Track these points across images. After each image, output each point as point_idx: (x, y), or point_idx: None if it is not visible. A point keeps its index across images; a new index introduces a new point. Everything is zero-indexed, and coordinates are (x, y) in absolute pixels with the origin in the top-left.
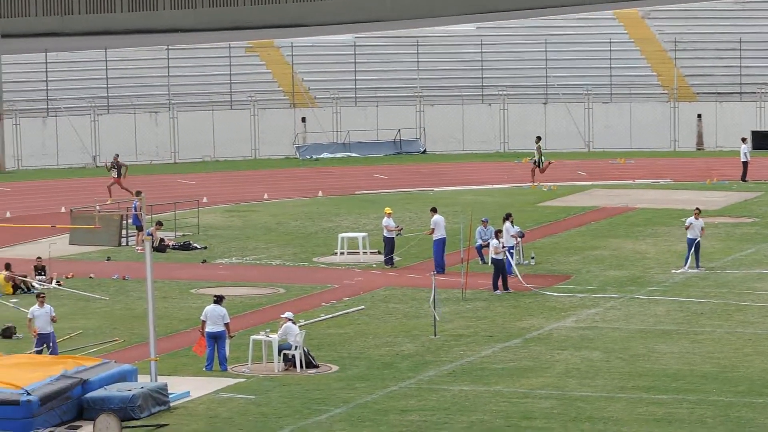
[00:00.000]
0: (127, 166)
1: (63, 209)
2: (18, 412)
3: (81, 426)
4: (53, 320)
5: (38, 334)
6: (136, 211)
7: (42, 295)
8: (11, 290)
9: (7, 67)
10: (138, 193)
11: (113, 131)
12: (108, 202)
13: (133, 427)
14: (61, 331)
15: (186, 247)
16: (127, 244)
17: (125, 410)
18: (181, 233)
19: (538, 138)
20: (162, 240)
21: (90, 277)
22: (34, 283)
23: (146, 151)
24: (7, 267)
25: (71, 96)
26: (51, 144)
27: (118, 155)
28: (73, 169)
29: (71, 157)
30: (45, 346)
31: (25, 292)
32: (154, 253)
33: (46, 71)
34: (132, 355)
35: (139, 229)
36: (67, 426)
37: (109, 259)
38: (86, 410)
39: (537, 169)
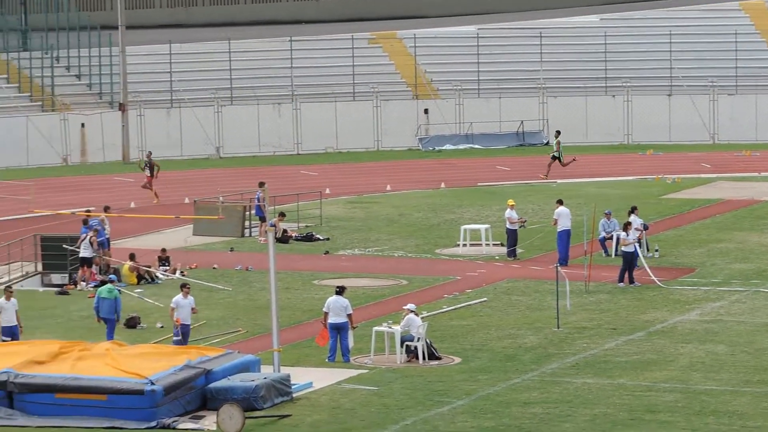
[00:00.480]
0: (159, 165)
1: (186, 200)
2: (142, 402)
3: (204, 416)
4: (193, 311)
5: (180, 324)
6: (259, 202)
7: (187, 286)
8: (135, 280)
9: (132, 58)
10: (261, 184)
11: (236, 123)
12: (155, 203)
13: (256, 417)
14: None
15: (309, 238)
16: (250, 235)
17: (248, 400)
18: (304, 224)
19: (558, 132)
20: (285, 231)
21: (213, 268)
22: (158, 274)
23: (269, 143)
24: (132, 257)
25: (195, 87)
26: (175, 135)
27: (151, 153)
28: (196, 160)
29: (195, 148)
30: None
31: (149, 283)
32: (276, 244)
33: (170, 63)
34: (255, 345)
35: (262, 220)
36: (190, 416)
37: (232, 249)
38: (210, 400)
39: (555, 163)
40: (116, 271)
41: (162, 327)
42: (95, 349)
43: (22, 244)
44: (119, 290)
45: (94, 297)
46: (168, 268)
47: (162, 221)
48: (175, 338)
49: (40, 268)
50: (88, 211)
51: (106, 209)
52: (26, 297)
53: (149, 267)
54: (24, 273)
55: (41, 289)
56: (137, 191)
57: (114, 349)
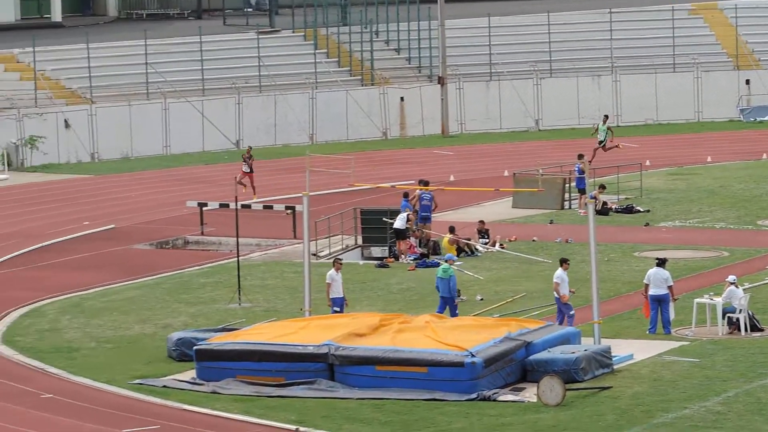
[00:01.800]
0: (252, 161)
1: (506, 173)
2: (463, 374)
3: (525, 388)
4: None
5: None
6: (579, 174)
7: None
8: (455, 253)
9: (451, 32)
10: (580, 157)
11: (555, 95)
12: (243, 192)
13: (576, 389)
14: (503, 294)
15: (629, 210)
16: (570, 207)
17: (569, 372)
18: (624, 196)
19: (606, 117)
20: (605, 203)
21: (533, 240)
22: (477, 246)
23: (588, 115)
24: (451, 230)
25: (514, 60)
26: (494, 108)
27: (251, 148)
28: (515, 132)
29: (514, 121)
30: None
31: (468, 255)
32: (596, 216)
33: (489, 36)
34: (575, 317)
35: (582, 192)
36: (511, 388)
37: (551, 222)
38: (530, 372)
39: (600, 149)
40: (436, 244)
41: (482, 300)
42: (415, 321)
43: (343, 217)
44: (455, 268)
45: (413, 270)
46: (488, 240)
47: (482, 194)
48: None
49: (360, 241)
50: (425, 183)
51: (424, 183)
52: (347, 270)
53: (469, 240)
54: (344, 246)
55: (361, 262)
56: (455, 164)
57: (434, 322)
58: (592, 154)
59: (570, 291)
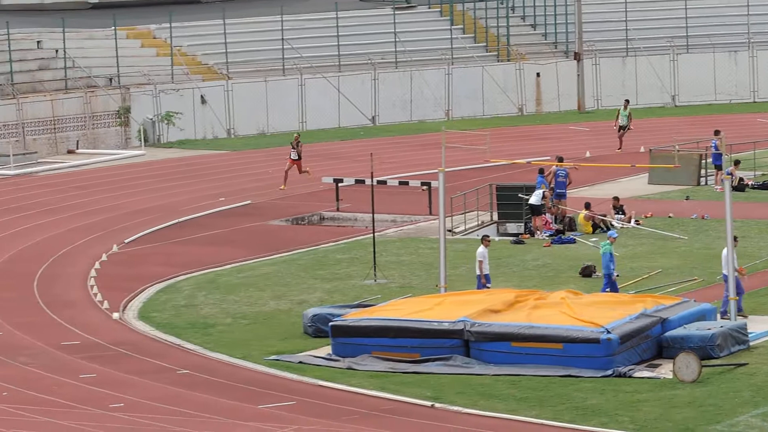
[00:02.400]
0: (301, 147)
1: (642, 149)
2: (598, 351)
3: (660, 364)
4: None
5: (485, 275)
6: (715, 150)
7: (488, 238)
8: (591, 229)
9: (587, 7)
10: (717, 132)
11: (691, 70)
12: (281, 188)
13: (712, 365)
14: (639, 270)
15: (765, 186)
16: (706, 183)
17: (704, 349)
18: (761, 172)
19: (627, 102)
20: (741, 179)
21: (669, 217)
22: (613, 222)
23: (725, 91)
24: (587, 206)
25: (650, 36)
26: (630, 84)
27: (299, 134)
28: (651, 108)
29: (650, 96)
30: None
31: (604, 232)
32: (733, 192)
33: (626, 11)
34: (711, 294)
35: (718, 168)
36: (646, 364)
37: (687, 198)
38: (665, 348)
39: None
40: (571, 221)
41: (617, 276)
42: (551, 298)
43: (478, 193)
44: (607, 245)
45: (549, 246)
46: (623, 216)
47: (617, 170)
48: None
49: (495, 217)
50: (561, 160)
51: (560, 159)
52: None
53: (605, 216)
54: (480, 222)
55: (497, 238)
56: (591, 140)
57: (569, 298)
58: (619, 142)
59: (737, 269)
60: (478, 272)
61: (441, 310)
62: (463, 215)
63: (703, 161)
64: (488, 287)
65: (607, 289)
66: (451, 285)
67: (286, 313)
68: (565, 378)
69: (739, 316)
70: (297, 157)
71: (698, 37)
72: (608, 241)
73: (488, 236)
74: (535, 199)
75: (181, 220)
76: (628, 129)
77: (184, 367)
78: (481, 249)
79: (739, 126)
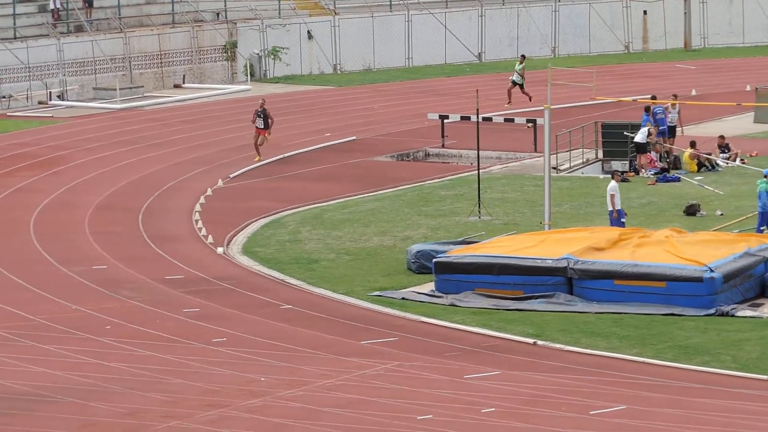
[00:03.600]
0: (272, 119)
1: (748, 87)
2: (701, 289)
3: (763, 303)
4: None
5: (617, 210)
6: None
7: (618, 172)
8: (696, 168)
9: None
10: None
11: None
12: (255, 160)
13: None
14: (743, 209)
15: None
16: None
17: None
18: None
19: (523, 57)
20: None
21: None
22: (718, 161)
23: None
24: (692, 145)
25: None
26: (737, 22)
27: (264, 100)
28: (759, 47)
29: (757, 35)
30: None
31: (709, 170)
32: None
33: None
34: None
35: None
36: (749, 303)
37: None
38: None
39: (516, 89)
40: (677, 159)
41: (722, 215)
42: (655, 236)
43: (584, 131)
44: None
45: (653, 185)
46: (728, 155)
47: (723, 108)
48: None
49: (600, 155)
50: (653, 97)
51: (674, 97)
52: (587, 184)
53: (710, 154)
54: (585, 160)
55: (601, 176)
56: (698, 78)
57: (673, 236)
58: (508, 96)
59: None
60: (610, 207)
61: (545, 247)
62: (568, 153)
63: None
64: (623, 222)
65: (764, 227)
66: (555, 222)
67: (390, 249)
68: (667, 316)
69: None
70: (264, 126)
71: None
72: (765, 179)
73: (619, 171)
74: (640, 137)
75: (286, 155)
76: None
77: (287, 303)
78: (613, 183)
79: None
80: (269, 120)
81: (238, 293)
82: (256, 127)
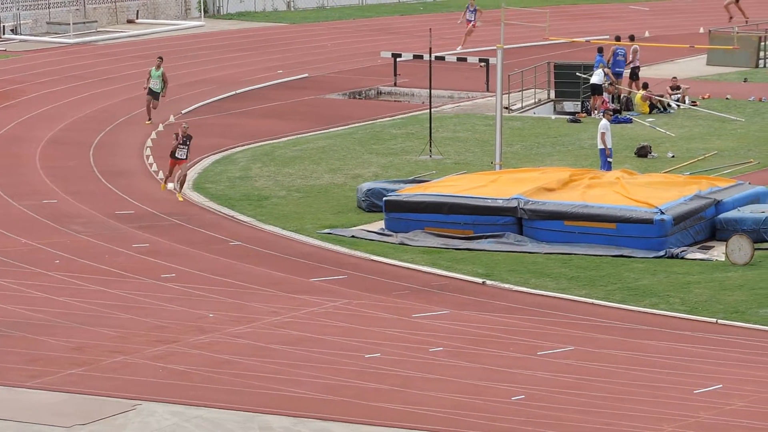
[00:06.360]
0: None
1: (701, 30)
2: (651, 231)
3: (713, 246)
4: None
5: (609, 148)
6: None
7: (610, 111)
8: (648, 110)
9: None
10: None
11: None
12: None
13: (764, 249)
14: (694, 152)
15: None
16: (765, 66)
17: (758, 232)
18: None
19: (160, 59)
20: None
21: (726, 98)
22: (670, 103)
23: None
24: (645, 86)
25: None
26: None
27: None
28: None
29: None
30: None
31: (660, 112)
32: None
33: None
34: (766, 176)
35: None
36: (699, 246)
37: (746, 80)
38: (718, 231)
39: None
40: (629, 100)
41: (673, 157)
42: (605, 177)
43: (536, 71)
44: None
45: None
46: (678, 95)
47: (676, 50)
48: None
49: (552, 95)
50: (617, 38)
51: (632, 38)
52: (538, 124)
53: (661, 96)
54: (537, 100)
55: (553, 117)
56: (652, 20)
57: (624, 178)
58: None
59: None
60: (600, 146)
61: (495, 187)
62: (520, 93)
63: (763, 43)
64: (610, 161)
65: None
66: (506, 162)
67: (341, 187)
68: (617, 258)
69: None
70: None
71: None
72: None
73: (610, 110)
74: (597, 78)
75: (238, 91)
76: (162, 96)
77: (237, 239)
78: (604, 122)
79: None
80: (186, 138)
81: (187, 229)
82: (175, 158)
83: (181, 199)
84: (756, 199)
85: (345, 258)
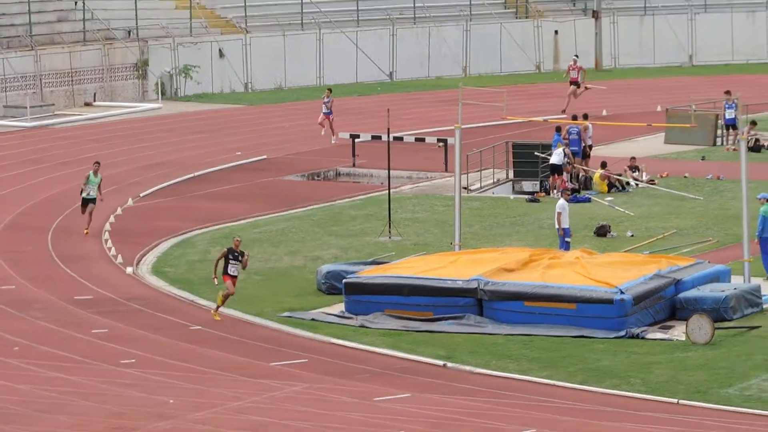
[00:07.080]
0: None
1: (659, 108)
2: (612, 311)
3: (673, 326)
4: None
5: (563, 229)
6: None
7: (568, 191)
8: (606, 188)
9: None
10: (728, 93)
11: (709, 30)
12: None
13: (725, 328)
14: (654, 231)
15: None
16: (722, 144)
17: (718, 311)
18: None
19: (97, 164)
20: (757, 140)
21: (684, 177)
22: (629, 181)
23: (742, 51)
24: (603, 165)
25: None
26: (647, 43)
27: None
28: (669, 67)
29: (667, 55)
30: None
31: (619, 191)
32: (748, 152)
33: None
34: (725, 255)
35: (733, 128)
36: (659, 326)
37: (704, 158)
38: (679, 310)
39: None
40: (587, 179)
41: (632, 236)
42: (565, 257)
43: (495, 150)
44: None
45: None
46: (638, 174)
47: (634, 129)
48: (567, 240)
49: (511, 175)
50: (574, 117)
51: (585, 117)
52: (497, 204)
53: (620, 175)
54: (495, 180)
55: (512, 197)
56: (609, 99)
57: (584, 258)
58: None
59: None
60: (557, 225)
61: (455, 268)
62: (479, 173)
63: (720, 122)
64: (567, 241)
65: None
66: (465, 243)
67: (300, 270)
68: (577, 338)
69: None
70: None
71: None
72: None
73: (569, 190)
74: (556, 158)
75: (196, 174)
76: (101, 201)
77: (196, 324)
78: (561, 201)
79: (756, 87)
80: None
81: (147, 314)
82: (227, 273)
83: (217, 318)
84: (716, 278)
85: (305, 341)
